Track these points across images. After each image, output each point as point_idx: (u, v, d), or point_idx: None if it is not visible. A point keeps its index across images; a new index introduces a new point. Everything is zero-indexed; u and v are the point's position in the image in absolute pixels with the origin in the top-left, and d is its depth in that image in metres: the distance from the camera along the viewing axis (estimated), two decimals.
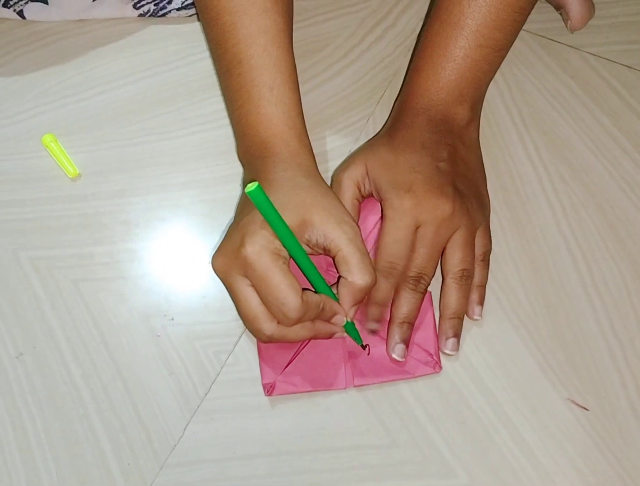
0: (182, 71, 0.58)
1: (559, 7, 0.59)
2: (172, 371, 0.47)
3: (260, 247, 0.41)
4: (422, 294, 0.46)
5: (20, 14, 0.59)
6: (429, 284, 0.46)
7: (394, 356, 0.45)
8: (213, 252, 0.45)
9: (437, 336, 0.47)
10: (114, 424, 0.45)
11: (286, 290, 0.41)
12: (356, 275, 0.43)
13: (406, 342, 0.45)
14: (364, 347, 0.46)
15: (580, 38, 0.58)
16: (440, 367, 0.46)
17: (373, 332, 0.46)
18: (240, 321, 0.47)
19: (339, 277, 0.44)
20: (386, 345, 0.46)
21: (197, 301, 0.49)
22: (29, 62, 0.58)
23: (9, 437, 0.45)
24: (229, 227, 0.46)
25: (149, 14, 0.59)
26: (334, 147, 0.54)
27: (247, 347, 0.47)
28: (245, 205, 0.46)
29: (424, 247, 0.45)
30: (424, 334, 0.47)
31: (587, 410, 0.45)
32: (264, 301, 0.42)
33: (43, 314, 0.49)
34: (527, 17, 0.50)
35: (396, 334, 0.45)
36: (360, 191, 0.48)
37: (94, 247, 0.51)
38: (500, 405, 0.45)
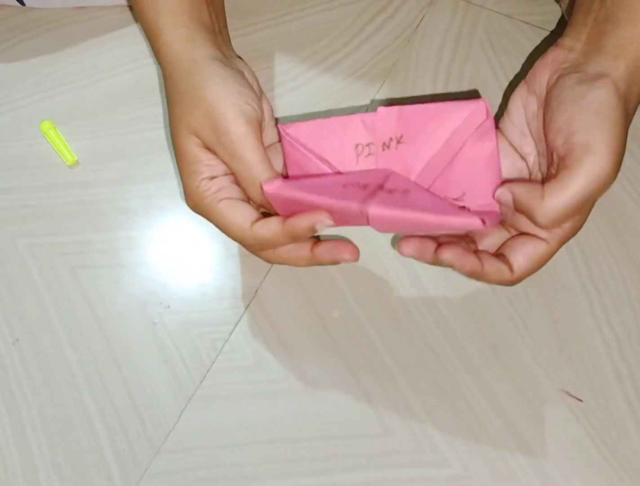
0: None
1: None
2: (168, 359, 0.47)
3: (193, 203, 0.42)
4: None
5: (20, 0, 0.59)
6: None
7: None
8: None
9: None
10: (109, 410, 0.45)
11: (230, 231, 0.41)
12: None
13: None
14: None
15: None
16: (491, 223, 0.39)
17: None
18: (237, 310, 0.48)
19: None
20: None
21: (194, 290, 0.49)
22: (28, 49, 0.58)
23: (4, 422, 0.45)
24: None
25: None
26: None
27: (243, 335, 0.47)
28: (174, 133, 0.44)
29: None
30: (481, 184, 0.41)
31: (581, 401, 0.45)
32: None
33: (40, 300, 0.49)
34: None
35: None
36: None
37: (92, 234, 0.51)
38: (494, 395, 0.45)
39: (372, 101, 0.55)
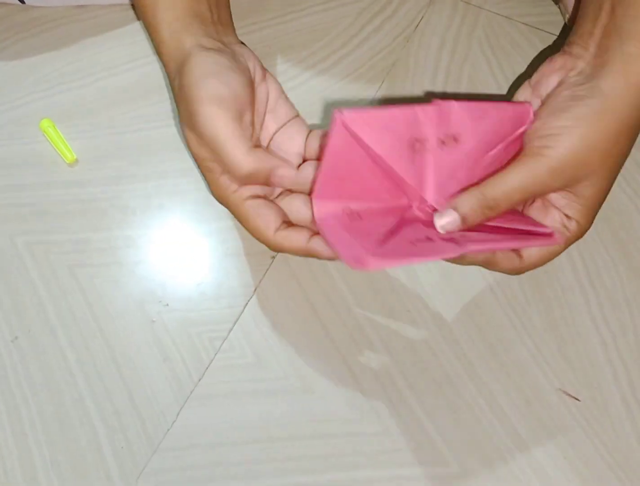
0: None
1: (557, 1, 0.59)
2: (167, 357, 0.47)
3: (218, 198, 0.44)
4: None
5: None
6: None
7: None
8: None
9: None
10: (107, 409, 0.45)
11: (255, 235, 0.43)
12: None
13: None
14: None
15: None
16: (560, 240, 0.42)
17: None
18: (235, 309, 0.48)
19: None
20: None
21: (193, 288, 0.49)
22: (28, 48, 0.58)
23: (3, 420, 0.45)
24: None
25: None
26: None
27: (242, 334, 0.47)
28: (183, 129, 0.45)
29: None
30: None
31: (578, 400, 0.45)
32: None
33: (39, 298, 0.49)
34: None
35: None
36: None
37: (91, 233, 0.51)
38: (492, 394, 0.45)
39: (371, 102, 0.55)
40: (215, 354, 0.47)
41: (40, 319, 0.48)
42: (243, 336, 0.47)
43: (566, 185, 0.41)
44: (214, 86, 0.41)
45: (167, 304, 0.48)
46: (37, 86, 0.56)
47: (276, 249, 0.43)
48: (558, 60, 0.43)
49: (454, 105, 0.40)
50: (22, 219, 0.51)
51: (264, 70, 0.46)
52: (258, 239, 0.43)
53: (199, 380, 0.46)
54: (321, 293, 0.49)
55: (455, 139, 0.40)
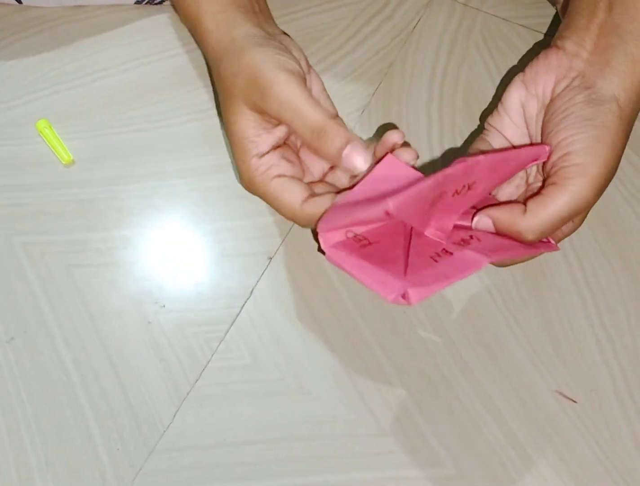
0: (178, 60, 0.58)
1: (555, 3, 0.59)
2: (163, 358, 0.47)
3: (246, 182, 0.44)
4: None
5: None
6: None
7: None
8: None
9: None
10: (103, 410, 0.45)
11: (283, 211, 0.43)
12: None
13: None
14: None
15: None
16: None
17: None
18: (232, 309, 0.48)
19: None
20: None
21: (190, 289, 0.49)
22: (24, 48, 0.58)
23: None
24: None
25: (145, 1, 0.59)
26: None
27: (239, 335, 0.47)
28: (224, 116, 0.46)
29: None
30: None
31: (575, 402, 0.45)
32: None
33: (35, 299, 0.49)
34: None
35: None
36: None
37: (87, 233, 0.51)
38: (489, 396, 0.45)
39: (369, 103, 0.55)
40: (212, 355, 0.47)
41: (37, 319, 0.48)
42: (240, 337, 0.47)
43: None
44: (282, 59, 0.42)
45: (164, 306, 0.48)
46: (35, 86, 0.56)
47: (306, 222, 0.43)
48: (553, 58, 0.42)
49: (481, 159, 0.40)
50: (19, 220, 0.51)
51: (308, 63, 0.47)
52: (286, 215, 0.43)
53: (196, 381, 0.46)
54: (318, 294, 0.49)
55: (469, 187, 0.41)
